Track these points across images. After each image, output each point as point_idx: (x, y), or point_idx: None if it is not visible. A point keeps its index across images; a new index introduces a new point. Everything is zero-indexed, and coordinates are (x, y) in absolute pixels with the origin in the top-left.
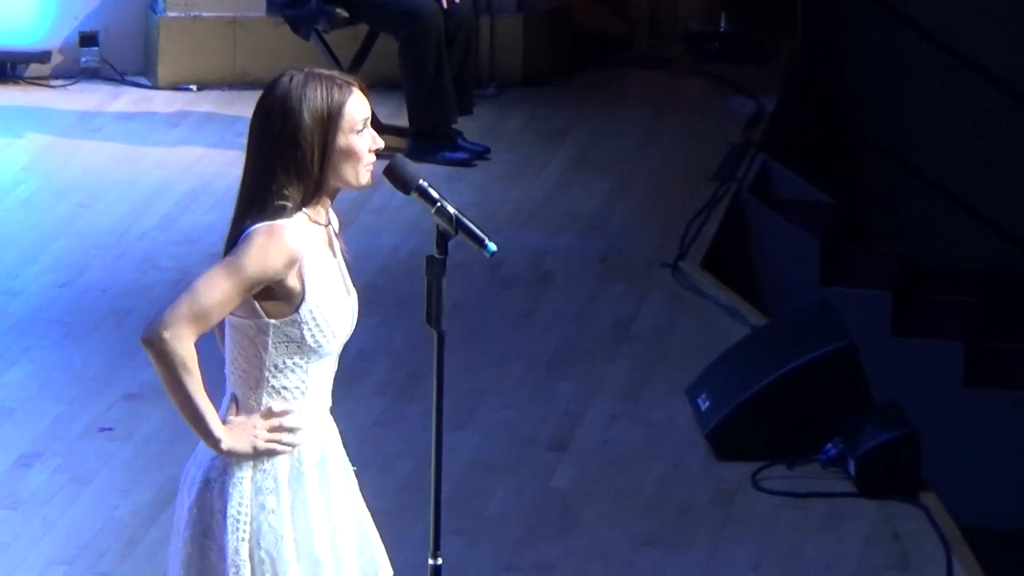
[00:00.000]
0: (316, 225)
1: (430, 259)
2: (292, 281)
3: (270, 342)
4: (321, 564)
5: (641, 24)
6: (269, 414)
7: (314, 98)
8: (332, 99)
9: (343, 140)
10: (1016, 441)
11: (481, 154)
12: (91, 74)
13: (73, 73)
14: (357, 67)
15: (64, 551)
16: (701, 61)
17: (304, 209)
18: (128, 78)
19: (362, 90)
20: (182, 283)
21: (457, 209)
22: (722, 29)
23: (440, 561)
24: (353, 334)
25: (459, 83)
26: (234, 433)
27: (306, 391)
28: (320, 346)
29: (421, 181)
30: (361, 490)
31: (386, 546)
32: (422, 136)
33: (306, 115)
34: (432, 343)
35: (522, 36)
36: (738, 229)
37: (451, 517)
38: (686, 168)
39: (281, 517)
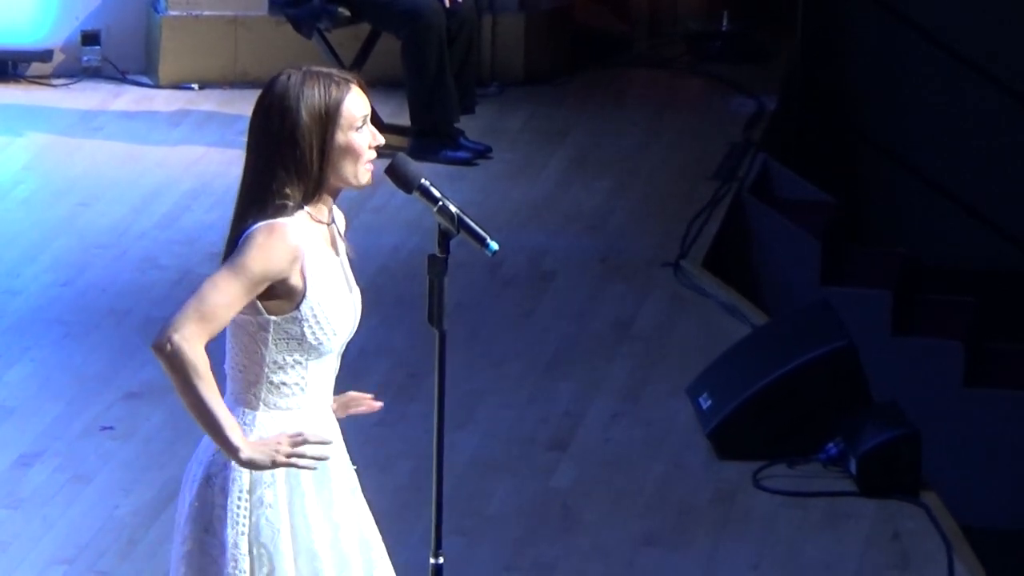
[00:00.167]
0: (318, 223)
1: (432, 258)
2: (294, 278)
3: (270, 339)
4: (320, 559)
5: (642, 24)
6: (298, 435)
7: (312, 96)
8: (330, 96)
9: (342, 137)
10: (1016, 441)
11: (483, 153)
12: (92, 73)
13: (75, 72)
14: (359, 66)
15: (64, 550)
16: (701, 61)
17: (305, 207)
18: (129, 77)
19: (361, 87)
20: (182, 283)
21: (459, 208)
22: (723, 29)
23: (442, 560)
24: (355, 333)
25: (461, 82)
26: (255, 445)
27: (305, 387)
28: (320, 343)
29: (423, 180)
30: (362, 489)
31: (387, 545)
32: (424, 135)
33: (304, 113)
34: (432, 343)
35: (524, 35)
36: (738, 229)
37: (451, 517)
38: (686, 168)
39: (279, 511)
